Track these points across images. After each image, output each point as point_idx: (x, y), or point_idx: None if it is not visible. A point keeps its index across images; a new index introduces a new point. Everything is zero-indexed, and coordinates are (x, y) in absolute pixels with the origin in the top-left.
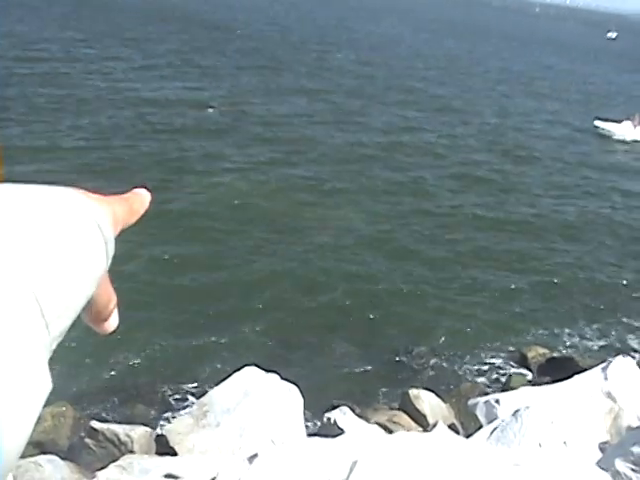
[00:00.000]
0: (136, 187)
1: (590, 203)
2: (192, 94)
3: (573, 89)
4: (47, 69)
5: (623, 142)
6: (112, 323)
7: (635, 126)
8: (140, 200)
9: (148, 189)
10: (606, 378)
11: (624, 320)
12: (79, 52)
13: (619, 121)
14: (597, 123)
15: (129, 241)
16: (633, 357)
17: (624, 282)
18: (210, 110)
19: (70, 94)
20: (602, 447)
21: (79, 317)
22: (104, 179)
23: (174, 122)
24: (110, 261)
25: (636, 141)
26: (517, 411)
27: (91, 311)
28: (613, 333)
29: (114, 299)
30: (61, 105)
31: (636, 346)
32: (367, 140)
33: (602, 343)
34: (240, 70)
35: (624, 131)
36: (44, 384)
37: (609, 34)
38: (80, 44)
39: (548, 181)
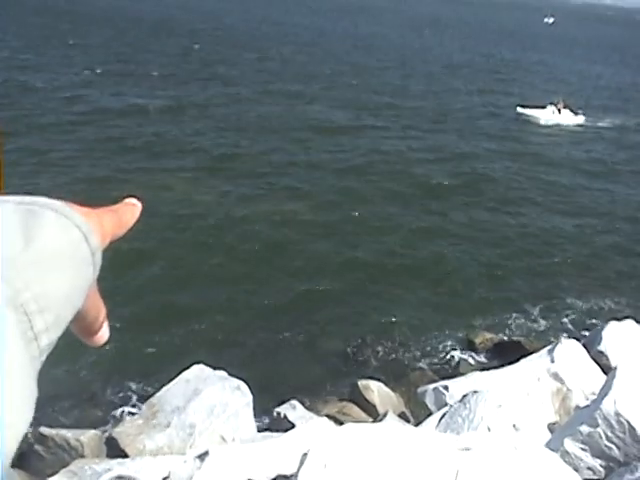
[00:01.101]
0: (127, 196)
1: (519, 192)
2: (131, 100)
3: (519, 79)
4: None
5: (545, 127)
6: (103, 335)
7: (559, 110)
8: (130, 211)
9: (139, 199)
10: (553, 360)
11: (568, 302)
12: (17, 59)
13: (543, 106)
14: (520, 110)
15: None
16: (578, 338)
17: (565, 264)
18: (151, 112)
19: (7, 103)
20: (552, 428)
21: (69, 330)
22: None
23: (113, 131)
24: (98, 272)
25: (558, 125)
26: (465, 396)
27: (81, 324)
28: (558, 315)
29: (103, 311)
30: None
31: (581, 327)
32: (315, 146)
33: (548, 325)
34: (180, 72)
35: (547, 116)
36: (31, 394)
37: (546, 19)
38: (19, 50)
39: (491, 180)
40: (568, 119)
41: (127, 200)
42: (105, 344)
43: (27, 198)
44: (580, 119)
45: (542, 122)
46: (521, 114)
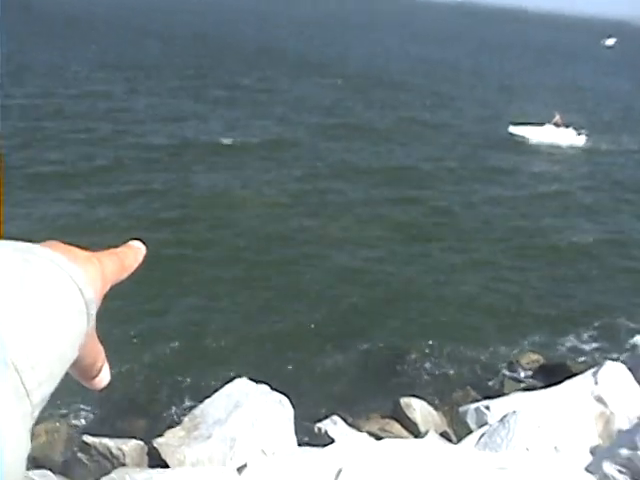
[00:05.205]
0: (132, 239)
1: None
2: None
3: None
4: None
5: (549, 147)
6: (102, 380)
7: (558, 126)
8: (133, 254)
9: (143, 242)
10: (596, 382)
11: (617, 323)
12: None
13: (540, 124)
14: (512, 129)
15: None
16: (624, 361)
17: (615, 285)
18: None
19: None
20: (593, 451)
21: (68, 374)
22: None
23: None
24: (93, 321)
25: (559, 146)
26: (505, 416)
27: (78, 370)
28: (606, 337)
29: (102, 356)
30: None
31: (628, 349)
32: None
33: (595, 347)
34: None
35: (547, 135)
36: (24, 451)
37: (604, 41)
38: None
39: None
40: (565, 139)
41: (130, 242)
42: (104, 388)
43: (23, 245)
44: (581, 140)
45: (537, 142)
46: (514, 134)
